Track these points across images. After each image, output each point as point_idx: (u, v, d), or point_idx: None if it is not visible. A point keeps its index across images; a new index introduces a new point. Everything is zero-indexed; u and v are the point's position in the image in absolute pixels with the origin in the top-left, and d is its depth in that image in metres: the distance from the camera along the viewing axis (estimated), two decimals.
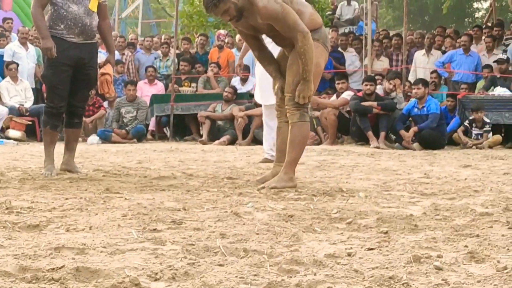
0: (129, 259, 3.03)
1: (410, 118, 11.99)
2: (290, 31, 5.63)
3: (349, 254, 3.15)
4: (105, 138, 13.28)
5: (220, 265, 2.93)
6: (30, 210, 4.41)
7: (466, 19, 34.79)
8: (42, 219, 4.03)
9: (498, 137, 11.79)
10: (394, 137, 12.14)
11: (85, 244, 3.31)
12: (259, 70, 8.26)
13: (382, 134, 11.97)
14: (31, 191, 5.42)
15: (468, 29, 16.76)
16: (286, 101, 5.87)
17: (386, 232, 3.70)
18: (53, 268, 2.81)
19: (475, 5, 36.74)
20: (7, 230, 3.70)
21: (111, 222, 3.95)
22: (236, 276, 2.73)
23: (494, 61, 13.45)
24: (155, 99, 14.22)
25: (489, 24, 16.34)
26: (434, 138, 11.55)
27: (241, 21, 5.88)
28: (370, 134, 12.04)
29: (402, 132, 11.79)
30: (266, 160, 8.36)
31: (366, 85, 12.45)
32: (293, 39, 5.64)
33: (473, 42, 14.50)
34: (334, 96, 13.17)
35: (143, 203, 4.75)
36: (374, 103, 12.11)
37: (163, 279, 2.69)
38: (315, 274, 2.75)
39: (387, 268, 2.87)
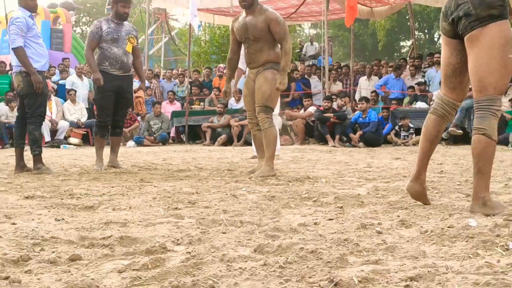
0: (158, 229, 3.05)
1: (357, 125, 12.04)
2: (284, 34, 5.82)
3: (315, 223, 3.18)
4: (139, 143, 13.26)
5: (223, 232, 2.95)
6: (87, 195, 4.42)
7: (395, 54, 34.89)
8: (95, 202, 4.04)
9: (419, 138, 11.82)
10: (345, 138, 12.18)
11: (126, 220, 3.32)
12: None
13: (337, 137, 12.00)
14: (87, 182, 5.43)
15: (397, 61, 16.79)
16: (258, 111, 5.93)
17: (341, 207, 3.73)
18: (104, 237, 2.83)
19: (402, 43, 36.85)
20: (70, 210, 3.72)
21: (145, 203, 3.97)
22: (235, 241, 2.75)
23: (416, 84, 13.56)
24: (174, 114, 14.18)
25: (411, 56, 16.42)
26: (374, 139, 11.61)
27: (242, 17, 6.00)
28: (328, 137, 12.08)
29: (351, 135, 11.84)
30: (254, 157, 8.33)
31: (325, 102, 12.50)
32: (282, 41, 5.83)
33: (401, 70, 14.60)
34: (303, 110, 13.22)
35: (167, 189, 4.77)
36: (331, 115, 12.15)
37: (183, 244, 2.71)
38: (291, 238, 2.77)
39: (342, 233, 2.90)
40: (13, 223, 3.23)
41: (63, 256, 2.47)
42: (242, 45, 6.22)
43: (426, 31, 35.07)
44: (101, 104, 6.83)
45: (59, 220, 3.34)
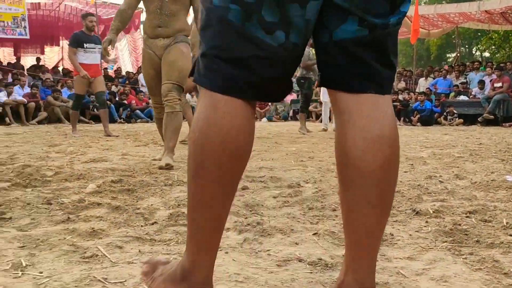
0: (293, 173, 3.11)
1: (416, 111, 11.42)
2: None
3: None
4: (270, 119, 13.39)
5: (335, 177, 2.94)
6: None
7: (442, 62, 32.57)
8: (253, 154, 4.16)
9: (461, 120, 11.04)
10: (408, 120, 11.58)
11: (272, 166, 3.41)
12: None
13: (402, 118, 11.46)
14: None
15: (445, 67, 15.72)
16: (169, 89, 3.26)
17: (412, 164, 3.59)
18: (260, 176, 2.92)
19: (448, 55, 34.45)
20: None
21: (281, 157, 4.04)
22: None
23: (459, 83, 12.66)
24: (292, 101, 14.01)
25: (456, 64, 15.29)
26: (428, 120, 11.02)
27: None
28: (395, 118, 11.61)
29: (412, 117, 11.27)
30: (324, 130, 8.08)
31: (393, 95, 12.03)
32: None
33: (448, 73, 13.65)
34: None
35: (293, 149, 4.80)
36: (398, 103, 11.67)
37: (310, 182, 2.74)
38: None
39: (415, 181, 2.81)
40: None
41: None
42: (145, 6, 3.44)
43: (466, 46, 32.50)
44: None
45: None
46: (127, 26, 3.75)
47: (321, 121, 12.62)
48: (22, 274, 1.23)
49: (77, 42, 6.18)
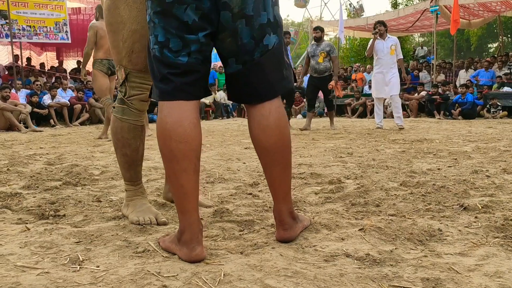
0: (333, 169, 3.09)
1: (457, 104, 11.06)
2: None
3: (438, 169, 3.03)
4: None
5: (376, 172, 2.91)
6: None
7: (484, 53, 31.33)
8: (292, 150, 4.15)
9: (505, 113, 10.61)
10: (448, 113, 11.25)
11: (311, 162, 3.40)
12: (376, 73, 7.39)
13: (441, 112, 11.12)
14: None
15: (486, 58, 15.12)
16: None
17: (455, 159, 3.51)
18: (300, 173, 2.93)
19: (489, 45, 33.14)
20: None
21: (319, 153, 4.02)
22: (386, 177, 2.70)
23: (503, 74, 12.18)
24: None
25: (499, 54, 14.69)
26: (470, 113, 10.64)
27: None
28: (435, 112, 11.27)
29: (453, 111, 10.92)
30: (378, 127, 7.36)
31: (433, 89, 11.68)
32: None
33: (490, 64, 13.12)
34: (416, 94, 12.36)
35: (331, 145, 4.76)
36: (437, 97, 11.32)
37: (351, 178, 2.72)
38: (425, 177, 2.67)
39: (460, 176, 2.74)
40: (244, 163, 3.46)
41: None
42: None
43: (509, 35, 31.14)
44: (307, 93, 7.79)
45: None
46: None
47: (357, 117, 12.49)
48: (80, 268, 1.29)
49: None
